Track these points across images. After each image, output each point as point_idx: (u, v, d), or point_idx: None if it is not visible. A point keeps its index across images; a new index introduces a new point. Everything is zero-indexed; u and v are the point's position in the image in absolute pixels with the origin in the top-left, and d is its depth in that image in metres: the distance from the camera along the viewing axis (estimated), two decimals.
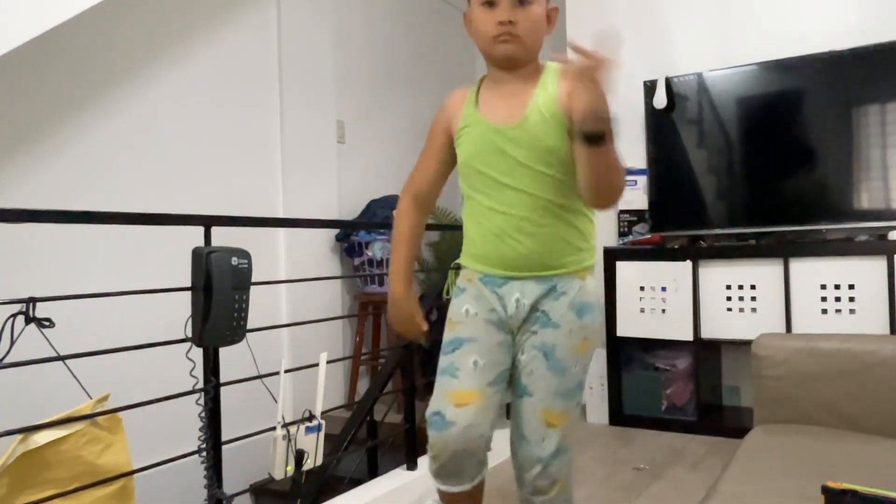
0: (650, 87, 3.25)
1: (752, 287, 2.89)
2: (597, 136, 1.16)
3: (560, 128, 1.30)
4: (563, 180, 1.33)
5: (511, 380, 1.42)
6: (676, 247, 3.14)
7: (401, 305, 1.51)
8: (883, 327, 2.62)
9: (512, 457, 1.42)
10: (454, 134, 1.43)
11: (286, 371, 1.87)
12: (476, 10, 1.33)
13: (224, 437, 1.71)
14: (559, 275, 1.37)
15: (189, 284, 1.55)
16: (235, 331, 1.57)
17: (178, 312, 1.59)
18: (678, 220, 3.20)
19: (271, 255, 3.42)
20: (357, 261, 3.68)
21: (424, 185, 1.51)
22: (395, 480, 2.30)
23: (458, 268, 2.75)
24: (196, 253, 1.55)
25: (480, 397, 1.36)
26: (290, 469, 1.79)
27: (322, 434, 1.88)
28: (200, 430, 1.61)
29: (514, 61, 1.35)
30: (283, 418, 1.79)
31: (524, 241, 1.35)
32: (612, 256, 3.19)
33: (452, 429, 1.35)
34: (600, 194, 1.29)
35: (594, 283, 1.42)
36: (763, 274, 2.86)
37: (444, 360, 1.42)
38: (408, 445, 2.38)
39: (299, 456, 1.80)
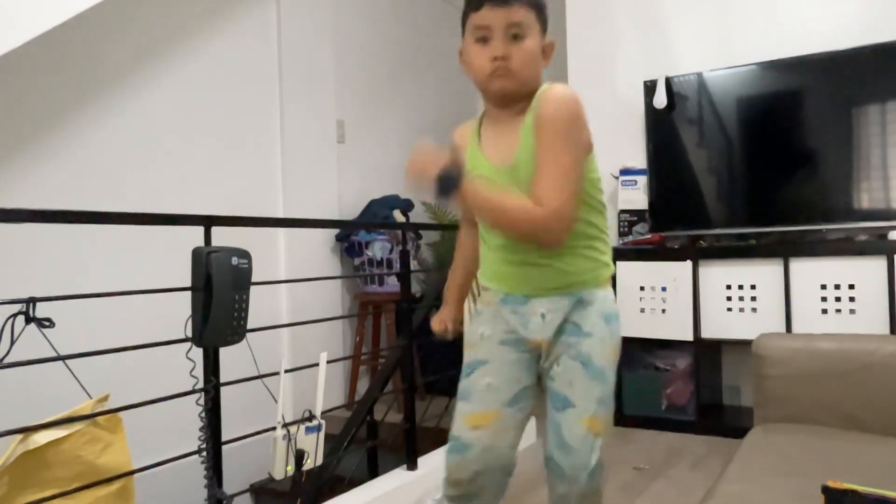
0: (650, 87, 3.25)
1: (752, 287, 2.89)
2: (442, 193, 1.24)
3: None
4: None
5: (543, 393, 1.40)
6: (676, 247, 3.14)
7: (442, 314, 1.61)
8: (883, 327, 2.62)
9: (549, 470, 1.37)
10: None
11: (286, 371, 1.87)
12: (470, 47, 1.32)
13: (224, 437, 1.71)
14: (579, 289, 1.36)
15: (189, 284, 1.55)
16: (235, 331, 1.57)
17: (178, 312, 1.59)
18: (678, 220, 3.20)
19: (271, 255, 3.42)
20: (357, 261, 3.68)
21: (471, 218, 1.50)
22: (395, 480, 2.30)
23: None
24: (196, 253, 1.55)
25: (496, 418, 1.35)
26: (290, 469, 1.79)
27: (322, 434, 1.87)
28: (200, 430, 1.61)
29: (509, 96, 1.32)
30: (283, 418, 1.79)
31: (536, 274, 1.35)
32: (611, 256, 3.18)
33: (469, 452, 1.34)
34: (493, 228, 1.37)
35: (612, 294, 1.42)
36: (763, 274, 2.86)
37: (461, 385, 1.43)
38: (408, 445, 2.38)
39: (299, 456, 1.80)
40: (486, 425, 1.35)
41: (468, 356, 1.44)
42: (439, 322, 1.58)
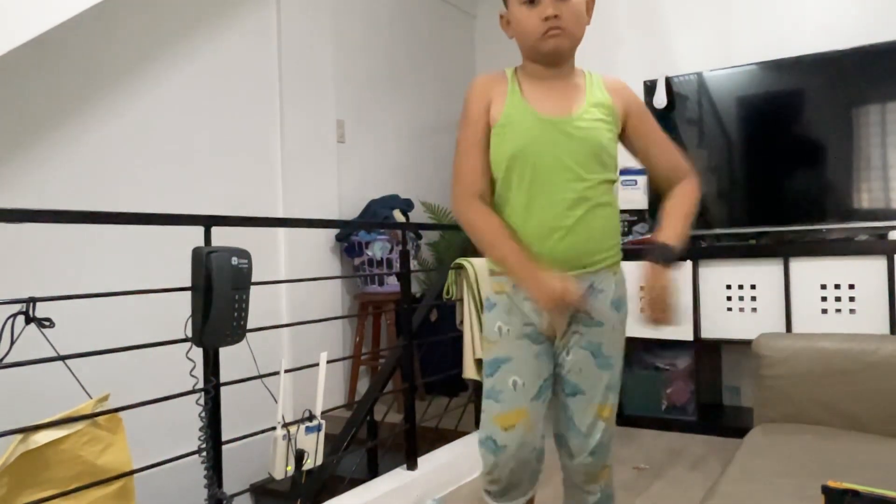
0: (650, 87, 3.25)
1: (752, 287, 2.88)
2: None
3: (612, 128, 1.39)
4: (604, 179, 1.38)
5: (555, 380, 1.44)
6: None
7: (548, 281, 1.32)
8: (883, 327, 2.62)
9: (560, 449, 1.47)
10: (493, 124, 1.38)
11: (286, 371, 1.87)
12: (517, 10, 1.34)
13: (224, 437, 1.71)
14: (594, 272, 1.38)
15: (189, 284, 1.55)
16: (235, 331, 1.57)
17: (178, 312, 1.58)
18: None
19: (271, 255, 3.42)
20: (357, 261, 3.68)
21: (482, 183, 1.40)
22: (395, 480, 2.30)
23: (459, 267, 2.75)
24: (196, 253, 1.55)
25: (526, 416, 1.38)
26: (290, 469, 1.79)
27: (322, 434, 1.87)
28: (200, 430, 1.61)
29: (561, 55, 1.37)
30: (283, 418, 1.79)
31: (565, 238, 1.35)
32: None
33: (505, 452, 1.38)
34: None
35: (623, 274, 1.46)
36: (763, 274, 2.86)
37: (486, 383, 1.43)
38: (408, 445, 2.38)
39: (299, 456, 1.80)
40: (518, 424, 1.38)
41: (488, 352, 1.44)
42: (561, 291, 1.31)
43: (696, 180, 1.47)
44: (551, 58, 1.36)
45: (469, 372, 2.69)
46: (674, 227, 1.38)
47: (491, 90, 1.39)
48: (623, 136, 1.43)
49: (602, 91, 1.40)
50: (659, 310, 1.32)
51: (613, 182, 1.42)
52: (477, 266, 2.60)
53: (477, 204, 1.39)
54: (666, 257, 1.33)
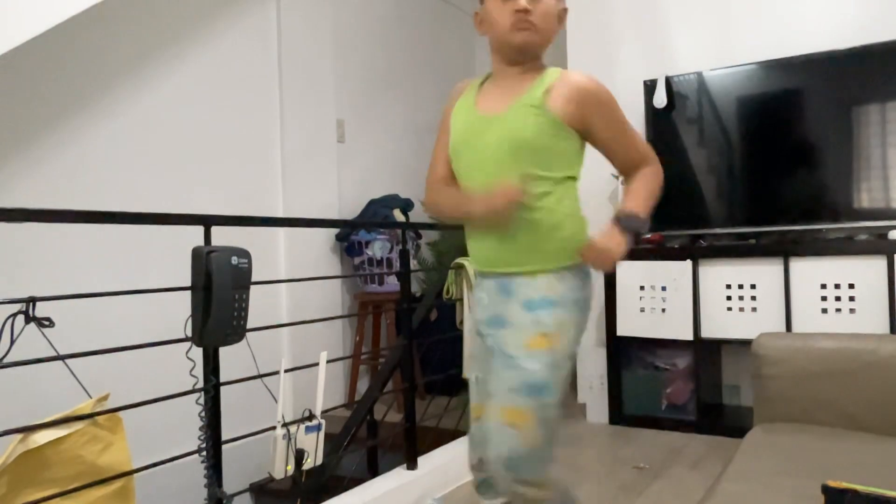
0: (650, 87, 3.24)
1: (752, 287, 2.88)
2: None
3: (543, 125, 1.34)
4: (532, 176, 1.33)
5: None
6: (676, 246, 3.14)
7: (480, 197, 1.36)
8: (883, 327, 2.62)
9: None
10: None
11: (286, 371, 1.87)
12: (491, 4, 1.37)
13: (224, 437, 1.71)
14: (516, 274, 1.36)
15: (189, 284, 1.55)
16: (235, 330, 1.57)
17: (178, 312, 1.59)
18: (678, 220, 3.20)
19: (271, 255, 3.42)
20: (357, 260, 3.68)
21: (445, 170, 1.50)
22: (395, 480, 2.30)
23: (459, 267, 2.75)
24: (196, 253, 1.55)
25: (485, 409, 1.41)
26: (290, 469, 1.79)
27: (322, 433, 1.88)
28: (200, 429, 1.61)
29: (528, 50, 1.38)
30: (283, 418, 1.79)
31: (484, 237, 1.40)
32: None
33: (474, 441, 1.47)
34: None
35: (563, 280, 1.36)
36: (763, 274, 2.86)
37: None
38: (408, 445, 2.38)
39: (299, 455, 1.80)
40: (480, 416, 1.43)
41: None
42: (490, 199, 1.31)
43: (658, 167, 1.43)
44: (518, 52, 1.38)
45: (469, 371, 2.69)
46: (636, 201, 1.38)
47: (456, 94, 1.49)
48: (588, 137, 1.39)
49: (543, 88, 1.34)
50: (599, 263, 1.33)
51: (555, 180, 1.35)
52: None
53: (438, 184, 1.50)
54: (633, 225, 1.33)
